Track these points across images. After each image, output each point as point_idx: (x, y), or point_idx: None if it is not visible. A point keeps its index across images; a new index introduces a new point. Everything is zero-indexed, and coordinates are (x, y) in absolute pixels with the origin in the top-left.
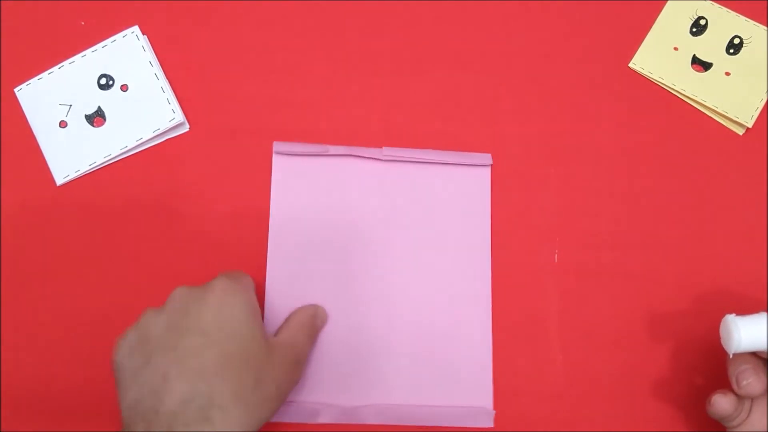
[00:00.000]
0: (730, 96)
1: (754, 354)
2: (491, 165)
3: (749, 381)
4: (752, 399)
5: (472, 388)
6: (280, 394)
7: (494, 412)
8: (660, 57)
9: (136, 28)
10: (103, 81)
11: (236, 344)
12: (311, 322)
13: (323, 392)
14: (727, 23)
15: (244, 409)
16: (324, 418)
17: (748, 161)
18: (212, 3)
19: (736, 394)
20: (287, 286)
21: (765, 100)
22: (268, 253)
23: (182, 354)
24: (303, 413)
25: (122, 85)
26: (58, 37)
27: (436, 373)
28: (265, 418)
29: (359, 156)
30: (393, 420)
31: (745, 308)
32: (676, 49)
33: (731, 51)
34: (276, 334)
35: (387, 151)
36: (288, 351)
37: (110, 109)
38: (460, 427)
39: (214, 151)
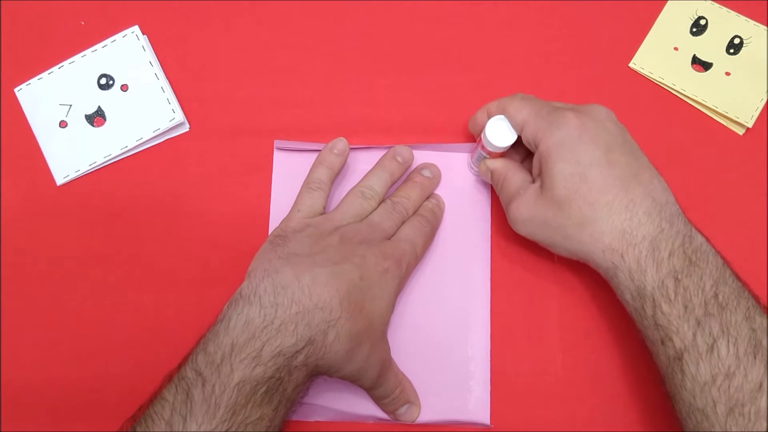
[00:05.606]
0: (730, 96)
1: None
2: None
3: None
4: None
5: (470, 387)
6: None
7: (490, 410)
8: (660, 57)
9: (136, 28)
10: (103, 81)
11: (379, 318)
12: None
13: (322, 396)
14: (727, 23)
15: (346, 353)
16: (321, 417)
17: (748, 161)
18: (212, 3)
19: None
20: None
21: (765, 100)
22: None
23: (343, 285)
24: (300, 412)
25: (122, 85)
26: (58, 37)
27: (434, 370)
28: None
29: (359, 154)
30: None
31: None
32: (676, 49)
33: (731, 51)
34: None
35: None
36: (388, 357)
37: (110, 109)
38: (458, 427)
39: (214, 151)
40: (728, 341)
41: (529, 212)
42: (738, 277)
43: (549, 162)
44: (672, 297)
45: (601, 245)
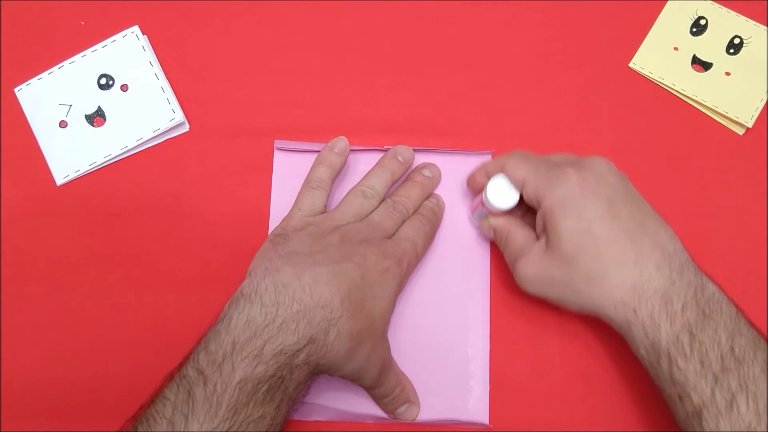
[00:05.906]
0: (730, 96)
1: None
2: None
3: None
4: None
5: (470, 386)
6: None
7: (490, 410)
8: (660, 57)
9: (136, 28)
10: (103, 81)
11: (380, 318)
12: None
13: (322, 395)
14: (727, 23)
15: (347, 352)
16: (321, 416)
17: (748, 161)
18: (212, 3)
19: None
20: None
21: (765, 100)
22: None
23: (345, 283)
24: (300, 411)
25: (122, 85)
26: (58, 37)
27: (433, 370)
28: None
29: (359, 154)
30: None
31: (745, 308)
32: (676, 49)
33: (731, 51)
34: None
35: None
36: (388, 355)
37: (110, 109)
38: (457, 427)
39: (214, 151)
40: (747, 397)
41: (535, 270)
42: (753, 326)
43: (553, 219)
44: (688, 352)
45: (613, 300)
